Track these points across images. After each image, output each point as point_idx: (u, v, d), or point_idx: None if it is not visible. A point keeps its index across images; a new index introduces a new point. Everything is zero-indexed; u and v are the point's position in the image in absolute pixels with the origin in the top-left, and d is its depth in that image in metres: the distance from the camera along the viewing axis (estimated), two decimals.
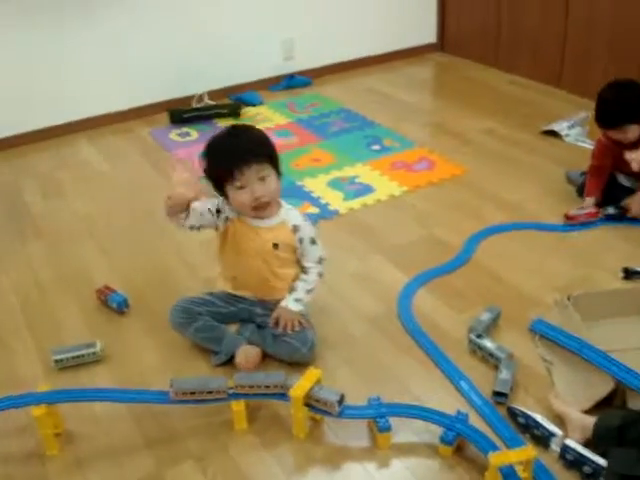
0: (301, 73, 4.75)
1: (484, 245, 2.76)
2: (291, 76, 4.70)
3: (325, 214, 3.06)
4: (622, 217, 2.86)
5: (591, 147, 3.05)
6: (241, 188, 2.03)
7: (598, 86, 2.78)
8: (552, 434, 1.80)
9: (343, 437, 1.90)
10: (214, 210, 2.10)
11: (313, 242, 2.18)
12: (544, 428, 1.81)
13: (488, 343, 2.12)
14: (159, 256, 2.81)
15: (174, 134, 4.04)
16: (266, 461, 1.84)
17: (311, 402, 1.86)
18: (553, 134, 3.70)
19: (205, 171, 2.11)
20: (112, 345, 2.28)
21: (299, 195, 3.22)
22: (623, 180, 2.94)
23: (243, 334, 2.22)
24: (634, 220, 2.84)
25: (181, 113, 4.17)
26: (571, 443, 1.74)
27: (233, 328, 2.25)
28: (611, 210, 2.87)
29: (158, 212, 3.10)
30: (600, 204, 2.89)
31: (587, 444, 1.74)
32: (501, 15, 4.69)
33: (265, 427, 1.94)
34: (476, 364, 2.13)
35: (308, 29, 4.70)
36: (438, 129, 4.02)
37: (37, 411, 1.83)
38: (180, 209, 2.03)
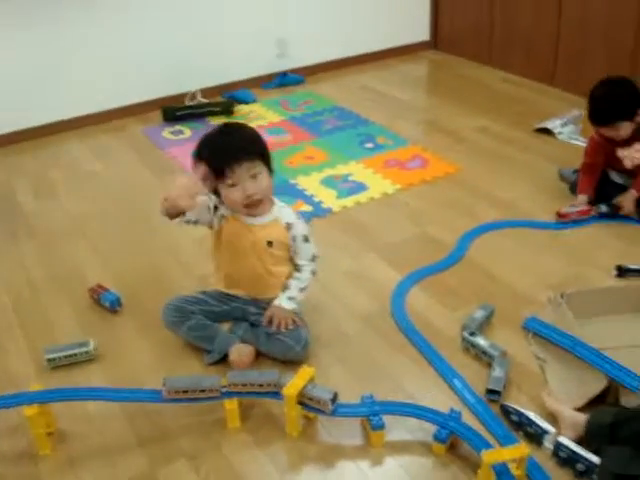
0: (294, 71, 4.74)
1: (477, 243, 2.76)
2: (284, 74, 4.69)
3: (318, 212, 3.06)
4: (614, 215, 2.86)
5: (584, 145, 3.05)
6: (233, 186, 2.03)
7: (591, 84, 2.78)
8: (545, 432, 1.80)
9: (336, 435, 1.90)
10: (212, 206, 2.10)
11: (306, 240, 2.18)
12: (537, 426, 1.81)
13: (481, 341, 2.12)
14: (152, 255, 2.80)
15: (167, 132, 4.03)
16: (259, 459, 1.84)
17: (304, 400, 1.86)
18: (546, 132, 3.71)
19: (196, 169, 2.10)
20: (105, 344, 2.27)
21: (292, 193, 3.21)
22: (615, 177, 2.95)
23: (236, 333, 2.21)
24: (626, 218, 2.85)
25: (174, 111, 4.16)
26: (564, 441, 1.74)
27: (226, 327, 2.24)
28: (604, 208, 2.87)
29: (151, 211, 3.10)
30: (592, 202, 2.90)
31: (580, 441, 1.74)
32: (494, 13, 4.70)
33: (258, 425, 1.94)
34: (469, 362, 2.13)
35: (301, 27, 4.69)
36: (431, 127, 4.02)
37: (29, 411, 1.82)
38: (174, 213, 2.02)
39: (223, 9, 4.34)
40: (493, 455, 1.65)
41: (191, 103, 4.32)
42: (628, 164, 2.73)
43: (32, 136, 3.99)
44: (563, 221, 2.85)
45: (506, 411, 1.89)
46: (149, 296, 2.50)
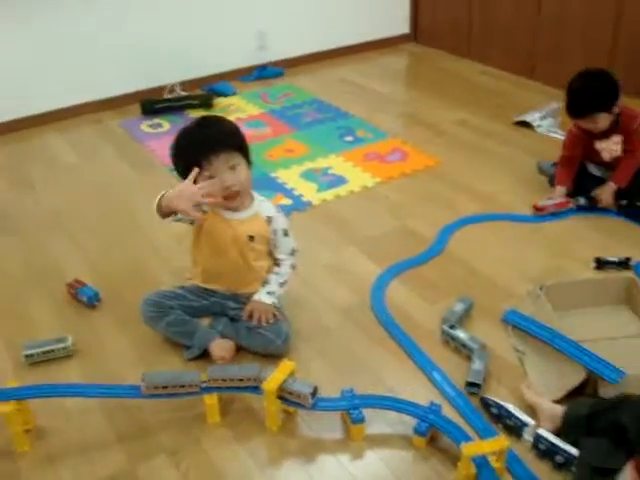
0: (274, 64, 4.73)
1: (457, 236, 2.77)
2: (264, 67, 4.68)
3: (298, 205, 3.05)
4: (593, 207, 2.88)
5: (563, 138, 3.07)
6: (211, 178, 2.01)
7: (570, 77, 2.79)
8: (524, 424, 1.81)
9: (316, 429, 1.90)
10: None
11: (286, 234, 2.17)
12: (517, 418, 1.82)
13: (461, 334, 2.13)
14: (131, 249, 2.78)
15: (145, 125, 4.00)
16: (239, 454, 1.83)
17: (284, 395, 1.86)
18: (525, 125, 3.73)
19: (174, 163, 2.09)
20: (84, 340, 2.25)
21: (272, 186, 3.20)
22: (593, 170, 2.96)
23: (216, 328, 2.20)
24: (605, 210, 2.86)
25: (153, 104, 4.13)
26: (543, 433, 1.75)
27: (206, 322, 2.23)
28: (582, 201, 2.89)
29: (129, 204, 3.09)
30: (571, 194, 2.91)
31: (558, 433, 1.75)
32: (474, 6, 4.71)
33: (238, 420, 1.93)
34: (449, 355, 2.14)
35: (281, 19, 4.67)
36: (411, 120, 4.02)
37: (6, 407, 1.80)
38: (168, 212, 2.00)
39: (203, 1, 4.31)
40: (473, 448, 1.65)
41: (170, 96, 4.28)
42: (606, 156, 2.75)
43: (7, 129, 3.94)
44: (540, 214, 2.86)
45: (486, 404, 1.90)
46: (128, 291, 2.48)
